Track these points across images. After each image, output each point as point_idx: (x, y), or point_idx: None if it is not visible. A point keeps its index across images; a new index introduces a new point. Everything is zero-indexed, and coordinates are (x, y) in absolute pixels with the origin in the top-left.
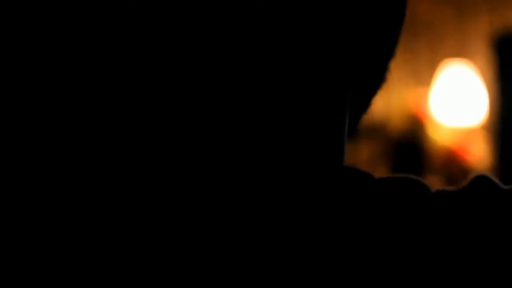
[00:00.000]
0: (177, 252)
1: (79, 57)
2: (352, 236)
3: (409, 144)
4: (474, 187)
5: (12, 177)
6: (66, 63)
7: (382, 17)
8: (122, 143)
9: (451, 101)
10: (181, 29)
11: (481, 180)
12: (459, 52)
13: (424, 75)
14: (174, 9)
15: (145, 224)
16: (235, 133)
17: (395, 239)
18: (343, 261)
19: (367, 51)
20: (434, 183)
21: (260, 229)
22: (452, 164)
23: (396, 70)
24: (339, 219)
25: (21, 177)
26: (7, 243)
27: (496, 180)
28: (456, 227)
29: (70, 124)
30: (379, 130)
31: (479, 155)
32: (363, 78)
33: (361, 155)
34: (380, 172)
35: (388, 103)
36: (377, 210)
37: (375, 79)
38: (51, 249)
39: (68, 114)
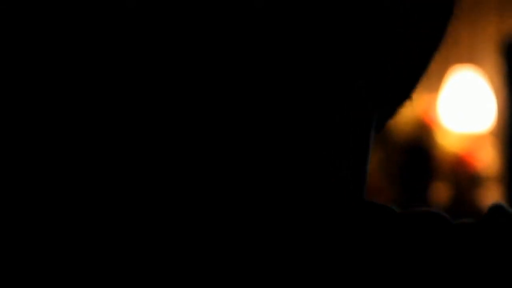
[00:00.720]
0: (174, 254)
1: (79, 57)
2: (372, 275)
3: (417, 150)
4: (493, 220)
5: (11, 177)
6: (65, 62)
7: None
8: (121, 143)
9: (460, 107)
10: (181, 28)
11: (498, 211)
12: (468, 58)
13: (432, 80)
14: (174, 9)
15: (144, 224)
16: (236, 135)
17: (420, 277)
18: None
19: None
20: (442, 189)
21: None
22: (460, 170)
23: None
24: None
25: (20, 177)
26: (6, 243)
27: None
28: (480, 263)
29: (70, 124)
30: (386, 136)
31: (487, 161)
32: (390, 94)
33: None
34: (388, 177)
35: None
36: (401, 248)
37: (402, 95)
38: (50, 249)
39: (67, 114)
